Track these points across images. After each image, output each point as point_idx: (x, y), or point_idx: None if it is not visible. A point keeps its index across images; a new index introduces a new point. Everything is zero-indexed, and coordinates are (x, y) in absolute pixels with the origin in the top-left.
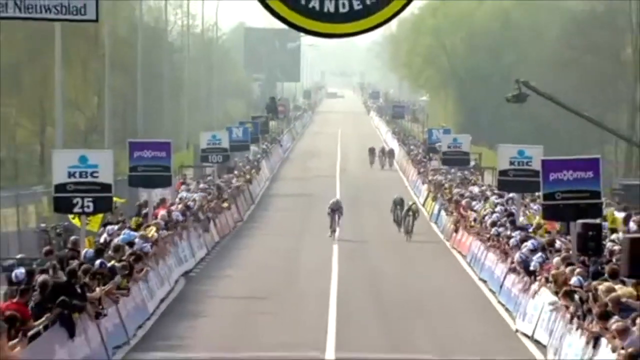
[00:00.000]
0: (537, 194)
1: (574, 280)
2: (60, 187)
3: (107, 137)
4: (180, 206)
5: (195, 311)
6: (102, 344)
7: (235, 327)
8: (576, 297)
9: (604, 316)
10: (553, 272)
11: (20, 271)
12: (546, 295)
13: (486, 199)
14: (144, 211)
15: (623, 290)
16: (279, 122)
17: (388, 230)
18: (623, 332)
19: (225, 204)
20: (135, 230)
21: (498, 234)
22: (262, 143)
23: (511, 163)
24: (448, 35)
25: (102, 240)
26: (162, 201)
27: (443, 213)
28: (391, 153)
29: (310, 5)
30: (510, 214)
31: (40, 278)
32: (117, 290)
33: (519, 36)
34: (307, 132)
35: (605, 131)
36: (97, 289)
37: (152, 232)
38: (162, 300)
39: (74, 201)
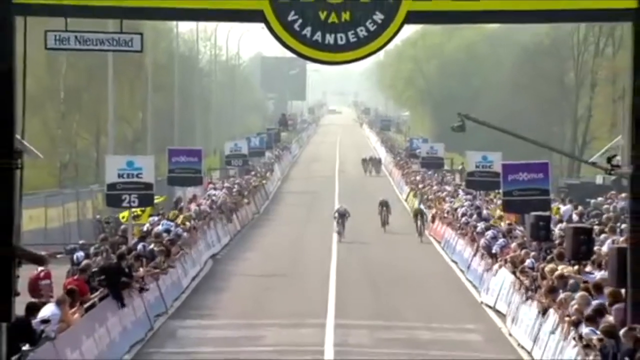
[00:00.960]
0: (497, 191)
1: (527, 262)
2: (111, 186)
3: (149, 145)
4: (208, 201)
5: (221, 286)
6: (145, 313)
7: (253, 299)
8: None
9: (551, 291)
10: (511, 254)
11: (80, 254)
12: (505, 274)
13: (457, 195)
14: (179, 205)
15: (567, 269)
16: (288, 133)
17: (378, 222)
18: (598, 288)
19: (245, 200)
20: (172, 220)
21: (467, 224)
22: (275, 150)
23: (477, 166)
24: (425, 63)
25: (145, 229)
26: (194, 197)
27: (422, 206)
28: (378, 161)
29: (314, 39)
30: (477, 208)
31: (96, 260)
32: (157, 269)
33: (482, 64)
34: (312, 141)
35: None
36: (141, 269)
37: (185, 222)
38: (193, 278)
39: (123, 197)
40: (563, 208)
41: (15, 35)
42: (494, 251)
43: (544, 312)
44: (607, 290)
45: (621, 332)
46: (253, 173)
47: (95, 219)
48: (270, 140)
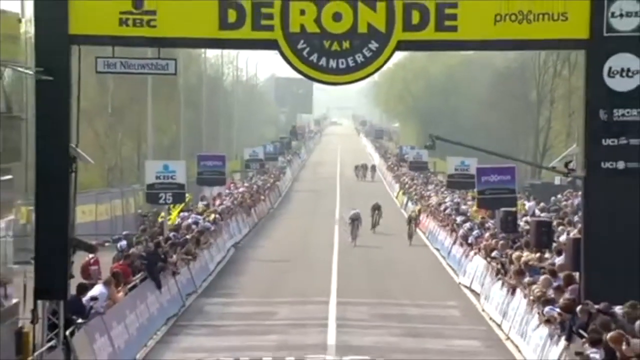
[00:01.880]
0: (473, 190)
1: (497, 252)
2: (150, 186)
3: (182, 152)
4: (230, 199)
5: (241, 270)
6: (178, 292)
7: (268, 281)
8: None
9: (519, 273)
10: (484, 243)
11: (124, 243)
12: (479, 260)
13: (440, 193)
14: (206, 202)
15: (530, 256)
16: (298, 142)
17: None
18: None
19: (261, 197)
20: (200, 214)
21: (448, 216)
22: (286, 155)
23: (456, 169)
24: (412, 83)
25: (177, 222)
26: (219, 195)
27: (410, 203)
28: (373, 168)
29: (320, 63)
30: (456, 204)
31: (137, 248)
32: (188, 255)
33: (461, 84)
34: (317, 148)
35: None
36: (175, 255)
37: (211, 216)
38: (218, 263)
39: (159, 195)
40: (528, 204)
41: (70, 61)
42: (470, 241)
43: (512, 291)
44: (561, 274)
45: (578, 308)
46: (268, 175)
47: (138, 213)
48: (283, 147)
